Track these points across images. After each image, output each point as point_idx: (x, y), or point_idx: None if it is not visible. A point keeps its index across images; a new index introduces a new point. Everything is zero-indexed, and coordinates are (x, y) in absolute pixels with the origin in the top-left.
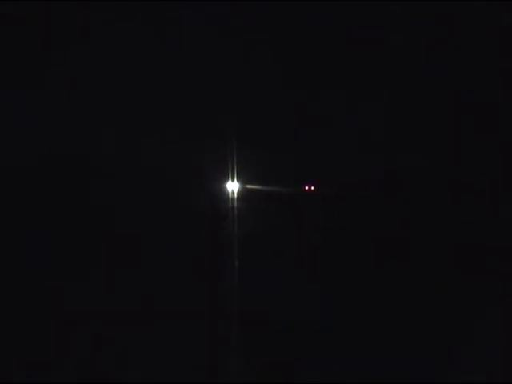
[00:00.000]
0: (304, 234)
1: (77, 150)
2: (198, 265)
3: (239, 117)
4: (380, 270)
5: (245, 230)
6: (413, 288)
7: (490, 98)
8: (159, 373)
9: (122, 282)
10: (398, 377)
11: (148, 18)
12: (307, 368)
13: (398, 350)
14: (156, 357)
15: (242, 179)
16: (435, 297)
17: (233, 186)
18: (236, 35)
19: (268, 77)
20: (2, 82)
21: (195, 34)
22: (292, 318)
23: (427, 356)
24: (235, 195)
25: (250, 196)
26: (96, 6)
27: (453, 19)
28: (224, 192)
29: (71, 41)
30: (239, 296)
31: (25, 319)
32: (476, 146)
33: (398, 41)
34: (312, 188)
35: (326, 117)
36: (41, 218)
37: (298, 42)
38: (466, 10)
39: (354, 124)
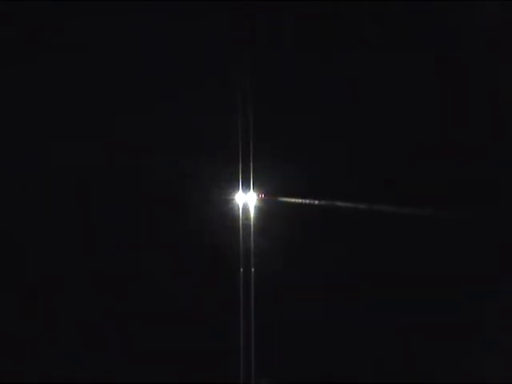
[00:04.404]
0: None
1: (78, 161)
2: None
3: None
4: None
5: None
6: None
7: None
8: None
9: (126, 296)
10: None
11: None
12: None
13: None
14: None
15: (260, 188)
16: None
17: (247, 198)
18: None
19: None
20: None
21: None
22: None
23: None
24: (250, 210)
25: (271, 212)
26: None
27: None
28: (233, 207)
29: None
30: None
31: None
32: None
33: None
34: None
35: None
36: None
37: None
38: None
39: None
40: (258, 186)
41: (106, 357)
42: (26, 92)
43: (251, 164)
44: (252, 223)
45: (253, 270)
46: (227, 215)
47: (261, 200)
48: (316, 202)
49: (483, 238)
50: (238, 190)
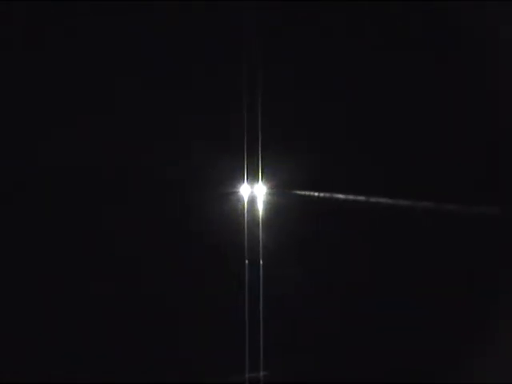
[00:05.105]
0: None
1: (79, 161)
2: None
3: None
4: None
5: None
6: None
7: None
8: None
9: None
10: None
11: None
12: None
13: None
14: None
15: (271, 180)
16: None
17: (254, 191)
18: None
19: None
20: None
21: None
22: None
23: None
24: (259, 205)
25: (279, 205)
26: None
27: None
28: (239, 201)
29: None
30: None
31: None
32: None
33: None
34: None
35: None
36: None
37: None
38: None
39: None
40: (266, 178)
41: (106, 357)
42: (25, 91)
43: (259, 154)
44: (260, 217)
45: (261, 262)
46: (232, 209)
47: (268, 192)
48: (326, 195)
49: (484, 237)
50: (244, 181)
